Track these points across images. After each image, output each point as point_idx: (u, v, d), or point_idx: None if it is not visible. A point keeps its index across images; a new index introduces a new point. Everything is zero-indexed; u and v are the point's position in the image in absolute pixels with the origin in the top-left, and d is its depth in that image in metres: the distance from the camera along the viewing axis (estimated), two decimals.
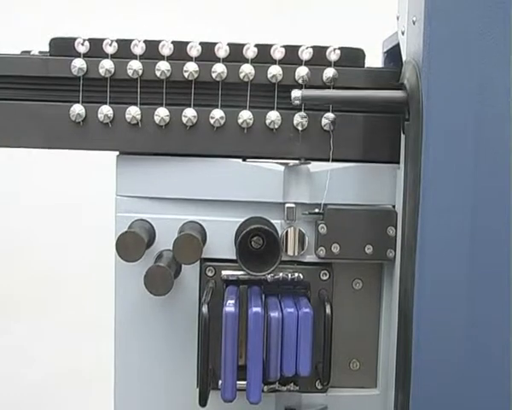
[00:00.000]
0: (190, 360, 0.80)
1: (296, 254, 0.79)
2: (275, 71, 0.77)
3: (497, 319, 0.71)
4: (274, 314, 0.74)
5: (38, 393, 1.65)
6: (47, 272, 1.65)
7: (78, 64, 0.76)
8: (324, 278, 0.80)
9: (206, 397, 0.74)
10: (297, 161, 0.78)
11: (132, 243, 0.73)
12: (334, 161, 0.78)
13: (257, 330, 0.72)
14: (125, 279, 0.79)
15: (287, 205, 0.78)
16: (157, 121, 0.77)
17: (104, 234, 0.90)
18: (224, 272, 0.79)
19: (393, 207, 0.78)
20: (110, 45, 0.77)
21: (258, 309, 0.73)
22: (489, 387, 0.72)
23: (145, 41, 0.77)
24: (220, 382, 0.74)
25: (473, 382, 0.72)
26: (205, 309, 0.73)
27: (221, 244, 0.79)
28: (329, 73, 0.77)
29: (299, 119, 0.77)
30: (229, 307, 0.73)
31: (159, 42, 0.77)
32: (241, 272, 0.78)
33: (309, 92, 0.75)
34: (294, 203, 0.78)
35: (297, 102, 0.74)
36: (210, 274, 0.79)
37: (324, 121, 0.77)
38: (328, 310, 0.76)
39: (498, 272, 0.71)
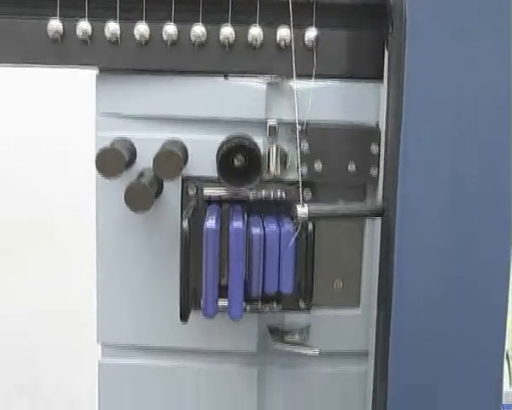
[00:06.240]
0: (172, 278, 0.80)
1: (278, 172, 0.78)
2: None
3: (482, 243, 0.71)
4: (256, 231, 0.73)
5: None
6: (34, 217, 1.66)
7: None
8: (307, 197, 0.79)
9: (188, 312, 0.74)
10: (279, 78, 0.77)
11: (112, 160, 0.72)
12: (317, 78, 0.77)
13: (238, 246, 0.72)
14: (106, 198, 0.78)
15: (269, 122, 0.78)
16: (137, 38, 0.75)
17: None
18: (206, 191, 0.78)
19: (377, 124, 0.78)
20: None
21: (239, 224, 0.72)
22: (468, 305, 0.73)
23: None
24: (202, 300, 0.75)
25: (454, 299, 0.72)
26: (185, 224, 0.72)
27: (203, 163, 0.78)
28: None
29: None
30: (210, 222, 0.72)
31: None
32: (224, 191, 0.77)
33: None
34: (277, 121, 0.78)
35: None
36: (192, 193, 0.79)
37: (307, 38, 0.76)
38: (310, 227, 0.76)
39: (480, 196, 0.71)
